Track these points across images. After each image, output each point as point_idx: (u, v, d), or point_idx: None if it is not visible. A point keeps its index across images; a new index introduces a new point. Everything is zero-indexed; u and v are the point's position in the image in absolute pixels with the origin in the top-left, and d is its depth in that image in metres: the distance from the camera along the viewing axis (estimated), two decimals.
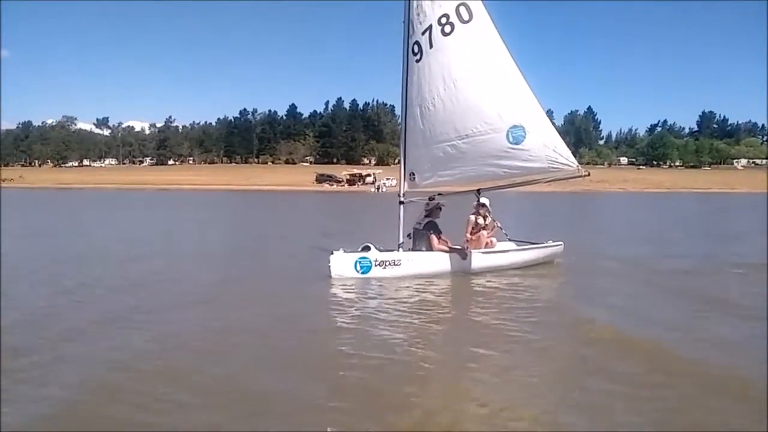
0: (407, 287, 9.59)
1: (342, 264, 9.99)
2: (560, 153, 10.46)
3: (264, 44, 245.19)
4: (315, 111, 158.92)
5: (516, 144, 10.36)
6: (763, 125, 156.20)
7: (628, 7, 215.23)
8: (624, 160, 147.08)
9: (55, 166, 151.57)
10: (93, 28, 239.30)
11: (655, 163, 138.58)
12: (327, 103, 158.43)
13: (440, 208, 11.10)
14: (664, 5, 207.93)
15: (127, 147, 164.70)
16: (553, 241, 12.09)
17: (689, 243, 17.80)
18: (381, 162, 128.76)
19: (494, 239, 11.42)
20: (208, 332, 6.90)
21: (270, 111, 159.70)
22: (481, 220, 11.32)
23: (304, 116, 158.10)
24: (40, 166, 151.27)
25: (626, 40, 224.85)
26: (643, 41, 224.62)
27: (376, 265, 10.13)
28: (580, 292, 9.82)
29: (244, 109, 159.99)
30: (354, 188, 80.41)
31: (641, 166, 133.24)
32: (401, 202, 11.14)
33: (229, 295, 9.18)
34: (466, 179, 11.10)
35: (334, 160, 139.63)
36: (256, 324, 7.38)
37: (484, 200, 11.45)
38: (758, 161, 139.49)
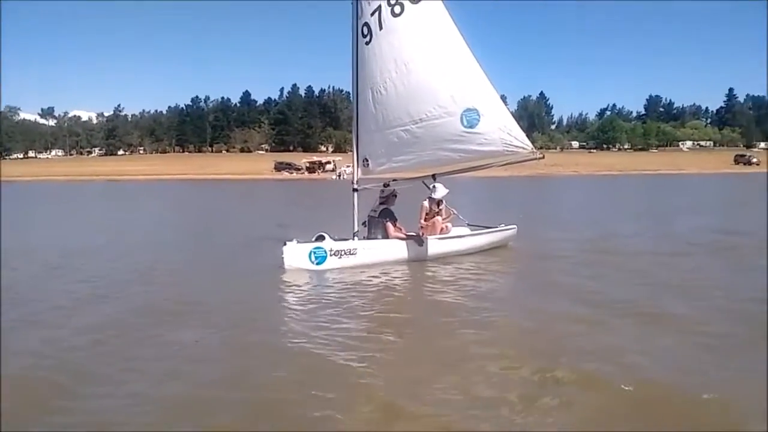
0: (364, 276, 9.40)
1: (296, 255, 9.66)
2: (515, 136, 10.30)
3: (215, 29, 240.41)
4: (270, 98, 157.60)
5: (470, 127, 10.15)
6: (707, 108, 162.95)
7: None
8: (575, 144, 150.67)
9: None
10: (33, 13, 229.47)
11: (605, 146, 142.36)
12: (282, 90, 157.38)
13: (395, 196, 10.94)
14: None
15: (74, 137, 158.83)
16: (506, 225, 12.15)
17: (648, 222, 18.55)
18: (338, 149, 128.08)
19: (449, 225, 11.37)
20: (134, 339, 6.22)
21: (223, 98, 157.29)
22: (434, 206, 11.25)
23: (258, 103, 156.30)
24: None
25: (576, 26, 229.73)
26: (592, 27, 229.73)
27: (331, 255, 9.84)
28: (529, 274, 10.08)
29: (196, 97, 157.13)
30: (314, 176, 79.75)
31: (592, 150, 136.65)
32: (355, 189, 10.86)
33: (169, 295, 8.44)
34: (421, 164, 10.91)
35: (291, 148, 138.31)
36: (201, 322, 6.92)
37: (437, 195, 11.10)
38: (703, 143, 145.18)
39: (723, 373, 5.01)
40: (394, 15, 10.24)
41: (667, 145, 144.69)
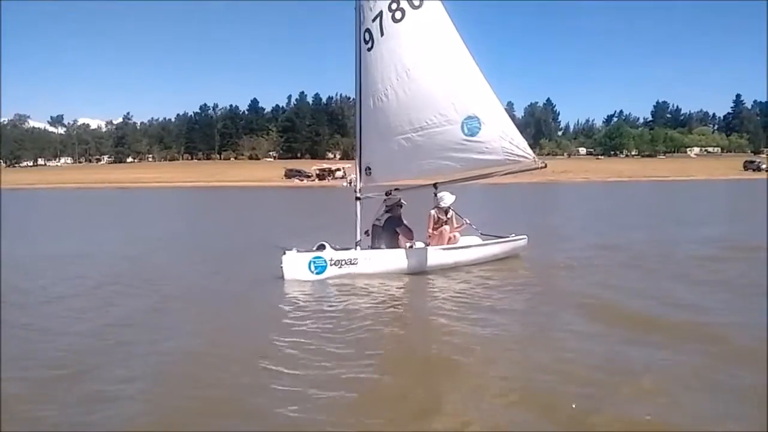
0: (363, 286, 9.19)
1: (295, 265, 9.51)
2: (516, 144, 10.01)
3: (224, 38, 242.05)
4: (277, 105, 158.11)
5: (471, 136, 9.92)
6: (714, 114, 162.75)
7: (582, 2, 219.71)
8: (583, 150, 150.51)
9: (9, 166, 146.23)
10: (42, 23, 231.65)
11: (612, 152, 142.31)
12: (289, 98, 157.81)
13: (401, 205, 10.64)
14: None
15: (83, 145, 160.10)
16: (516, 235, 11.76)
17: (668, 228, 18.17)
18: (346, 156, 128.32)
19: (458, 234, 11.13)
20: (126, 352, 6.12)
21: (231, 106, 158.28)
22: (442, 215, 11.08)
23: (266, 111, 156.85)
24: None
25: (582, 33, 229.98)
26: (599, 34, 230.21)
27: (331, 265, 9.66)
28: (533, 285, 9.59)
29: (205, 105, 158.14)
30: (324, 183, 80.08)
31: (599, 156, 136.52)
32: (358, 198, 10.62)
33: (169, 306, 8.35)
34: (422, 173, 10.68)
35: (298, 155, 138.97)
36: (197, 339, 6.68)
37: (444, 204, 10.98)
38: (710, 149, 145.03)
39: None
40: (395, 21, 10.04)
41: (674, 152, 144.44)
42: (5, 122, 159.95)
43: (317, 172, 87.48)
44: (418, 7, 9.97)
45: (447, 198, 10.96)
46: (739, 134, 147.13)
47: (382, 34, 10.15)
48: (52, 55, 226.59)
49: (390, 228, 10.40)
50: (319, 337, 6.55)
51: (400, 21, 10.01)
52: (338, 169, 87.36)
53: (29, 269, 11.49)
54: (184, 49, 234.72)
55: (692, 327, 6.70)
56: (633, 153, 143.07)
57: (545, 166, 10.49)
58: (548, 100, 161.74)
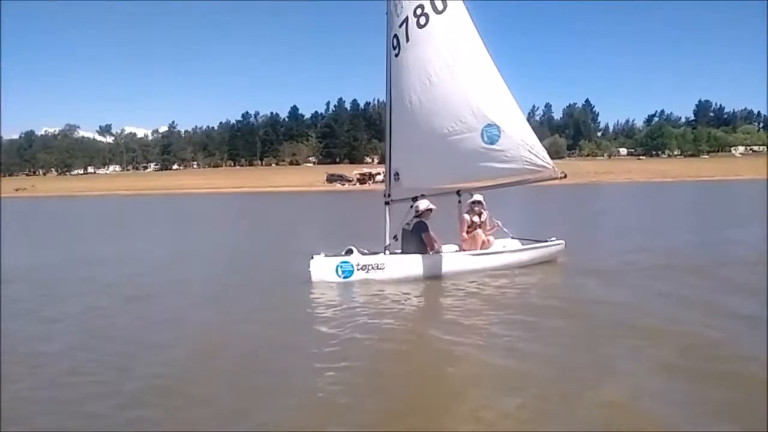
0: (388, 291, 9.15)
1: (323, 268, 9.61)
2: (536, 153, 9.88)
3: (264, 46, 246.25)
4: (317, 112, 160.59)
5: (491, 144, 9.81)
6: (759, 112, 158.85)
7: (621, 1, 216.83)
8: (623, 151, 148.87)
9: (60, 174, 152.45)
10: (91, 35, 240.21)
11: (654, 153, 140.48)
12: (328, 104, 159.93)
13: (430, 210, 10.42)
14: None
15: (130, 153, 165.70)
16: (555, 239, 11.48)
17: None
18: (383, 161, 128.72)
19: (492, 238, 11.00)
20: (153, 354, 6.32)
21: (272, 113, 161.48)
22: (476, 218, 10.98)
23: (305, 117, 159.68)
24: (44, 174, 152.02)
25: (621, 32, 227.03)
26: (638, 33, 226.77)
27: (358, 269, 9.71)
28: (571, 295, 9.07)
29: (246, 112, 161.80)
30: (365, 187, 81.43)
31: (641, 157, 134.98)
32: (387, 203, 10.63)
33: (194, 310, 8.54)
34: (446, 180, 10.72)
35: (337, 160, 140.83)
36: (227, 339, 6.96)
37: (478, 197, 11.06)
38: (755, 148, 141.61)
39: None
40: (420, 26, 9.96)
41: (718, 151, 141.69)
42: (56, 132, 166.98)
43: (358, 176, 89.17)
44: (441, 12, 9.89)
45: (475, 195, 11.08)
46: None
47: (407, 40, 10.14)
48: (100, 67, 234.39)
49: (418, 233, 10.27)
50: (325, 336, 6.88)
51: (424, 26, 9.96)
52: (378, 174, 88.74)
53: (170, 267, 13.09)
54: (225, 59, 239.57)
55: (699, 338, 6.23)
56: (675, 153, 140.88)
57: (565, 176, 10.32)
58: (587, 100, 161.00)
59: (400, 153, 10.66)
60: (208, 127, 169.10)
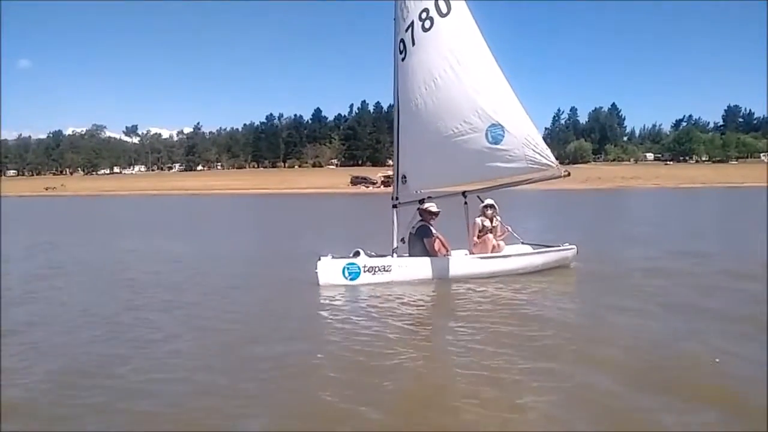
0: (394, 294, 9.15)
1: (330, 270, 9.71)
2: (540, 152, 9.91)
3: (288, 49, 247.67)
4: (340, 114, 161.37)
5: (495, 144, 9.86)
6: None
7: (650, 3, 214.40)
8: (650, 155, 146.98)
9: (87, 173, 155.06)
10: (118, 36, 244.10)
11: (681, 158, 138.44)
12: (351, 106, 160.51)
13: (436, 213, 10.50)
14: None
15: (155, 154, 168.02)
16: (568, 244, 11.34)
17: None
18: None
19: (502, 243, 11.01)
20: (165, 354, 6.35)
21: (295, 115, 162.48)
22: (487, 223, 11.00)
23: (329, 120, 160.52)
24: (71, 174, 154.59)
25: (648, 36, 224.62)
26: (665, 37, 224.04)
27: (365, 271, 9.81)
28: (579, 301, 9.09)
29: (270, 114, 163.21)
30: (389, 189, 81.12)
31: (668, 162, 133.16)
32: (395, 206, 10.70)
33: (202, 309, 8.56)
34: (452, 182, 10.76)
35: (360, 162, 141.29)
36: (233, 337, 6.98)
37: (490, 201, 11.12)
38: None
39: None
40: (425, 30, 10.12)
41: (747, 157, 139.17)
42: (83, 132, 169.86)
43: (382, 178, 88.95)
44: (445, 15, 10.02)
45: (488, 199, 11.14)
46: None
47: (413, 44, 10.30)
48: (127, 68, 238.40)
49: (421, 237, 10.35)
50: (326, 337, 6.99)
51: (428, 30, 10.11)
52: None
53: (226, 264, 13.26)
54: (250, 61, 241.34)
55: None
56: (703, 158, 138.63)
57: (568, 174, 10.43)
58: (613, 104, 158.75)
59: (407, 156, 10.78)
60: (232, 128, 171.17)
